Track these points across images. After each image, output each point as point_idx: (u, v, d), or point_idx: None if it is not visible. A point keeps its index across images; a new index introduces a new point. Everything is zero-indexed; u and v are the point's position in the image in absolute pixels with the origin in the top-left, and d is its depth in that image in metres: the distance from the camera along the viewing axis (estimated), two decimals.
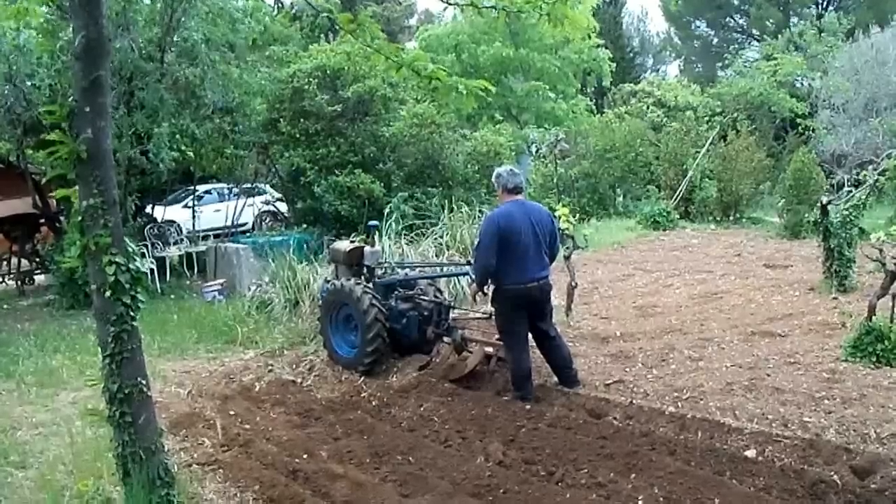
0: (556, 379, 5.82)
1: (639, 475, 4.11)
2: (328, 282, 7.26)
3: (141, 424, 3.87)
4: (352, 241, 7.62)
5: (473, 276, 5.83)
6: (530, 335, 5.69)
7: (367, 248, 7.21)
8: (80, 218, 3.72)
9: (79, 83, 3.61)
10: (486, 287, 5.68)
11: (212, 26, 11.10)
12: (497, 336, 6.03)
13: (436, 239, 9.69)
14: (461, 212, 10.46)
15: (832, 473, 4.03)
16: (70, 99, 3.68)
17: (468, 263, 6.60)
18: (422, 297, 6.83)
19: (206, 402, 6.06)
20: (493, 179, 5.77)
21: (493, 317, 5.86)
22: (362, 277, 6.98)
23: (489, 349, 6.16)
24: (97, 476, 4.28)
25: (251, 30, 12.15)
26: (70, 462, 4.74)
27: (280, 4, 20.03)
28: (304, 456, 4.77)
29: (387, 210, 10.79)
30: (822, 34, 21.92)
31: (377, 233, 8.37)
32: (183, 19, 10.72)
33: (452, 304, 7.18)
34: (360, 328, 6.48)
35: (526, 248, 5.35)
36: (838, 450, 4.29)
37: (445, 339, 6.56)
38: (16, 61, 9.58)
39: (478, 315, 6.85)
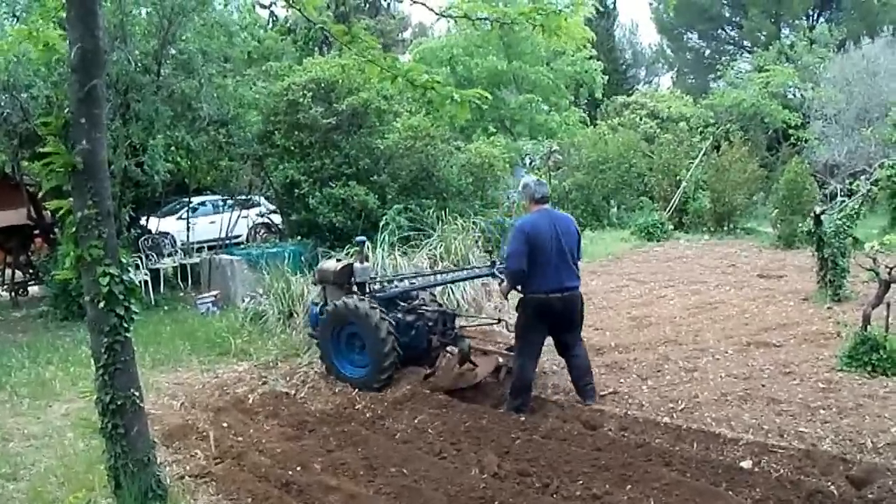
0: (550, 390, 5.82)
1: (634, 487, 4.09)
2: (316, 304, 6.95)
3: (133, 436, 3.85)
4: (338, 260, 7.21)
5: (503, 278, 5.80)
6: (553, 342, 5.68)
7: (357, 265, 6.87)
8: (74, 229, 3.72)
9: (74, 94, 3.63)
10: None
11: (208, 39, 11.13)
12: (500, 345, 6.00)
13: (430, 250, 9.68)
14: (455, 223, 10.46)
15: (829, 484, 4.03)
16: (66, 110, 3.69)
17: (492, 265, 6.49)
18: (424, 307, 6.70)
19: (199, 414, 6.01)
20: (520, 189, 5.86)
21: (515, 320, 5.75)
22: (353, 295, 6.66)
23: (500, 360, 6.11)
24: (89, 488, 4.25)
25: (247, 43, 12.18)
26: (62, 474, 4.72)
27: (275, 17, 20.06)
28: (298, 468, 4.73)
29: (382, 222, 10.79)
30: (814, 45, 22.15)
31: (366, 247, 8.29)
32: (180, 32, 10.74)
33: (456, 311, 7.13)
34: (369, 346, 6.25)
35: (549, 258, 5.33)
36: (835, 460, 4.28)
37: (450, 347, 6.49)
38: (15, 72, 9.55)
39: (481, 322, 6.81)
